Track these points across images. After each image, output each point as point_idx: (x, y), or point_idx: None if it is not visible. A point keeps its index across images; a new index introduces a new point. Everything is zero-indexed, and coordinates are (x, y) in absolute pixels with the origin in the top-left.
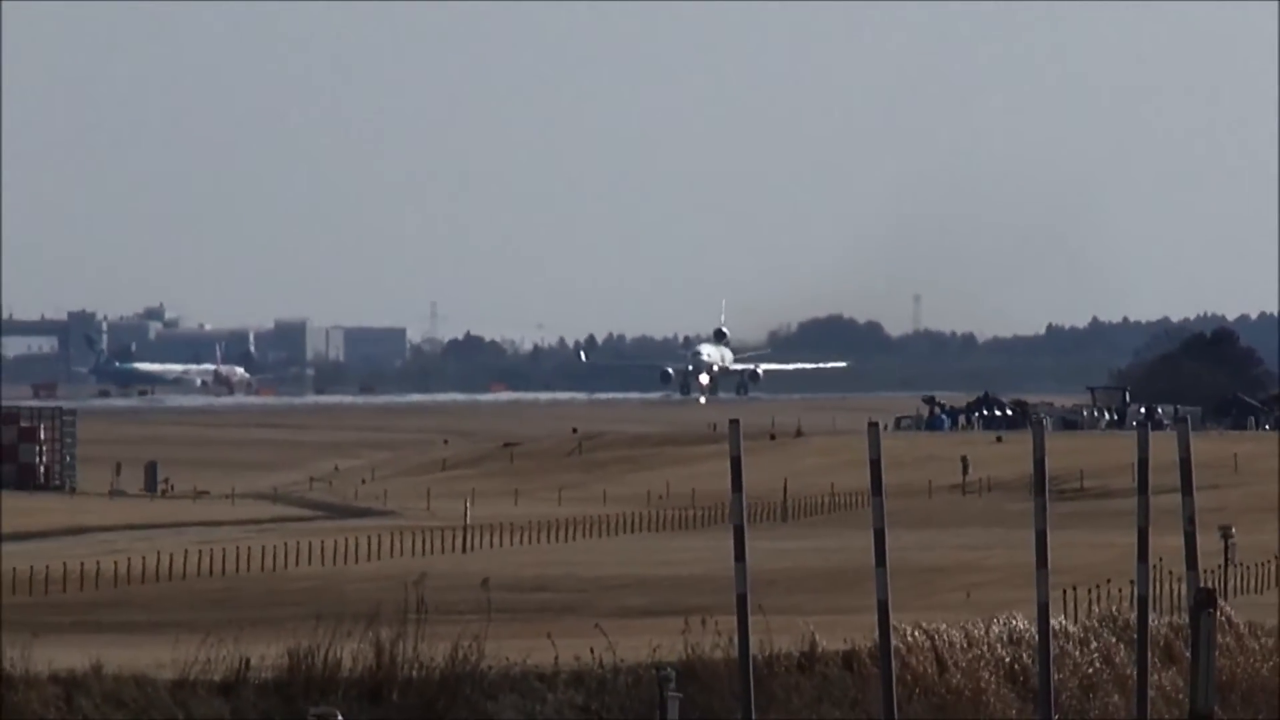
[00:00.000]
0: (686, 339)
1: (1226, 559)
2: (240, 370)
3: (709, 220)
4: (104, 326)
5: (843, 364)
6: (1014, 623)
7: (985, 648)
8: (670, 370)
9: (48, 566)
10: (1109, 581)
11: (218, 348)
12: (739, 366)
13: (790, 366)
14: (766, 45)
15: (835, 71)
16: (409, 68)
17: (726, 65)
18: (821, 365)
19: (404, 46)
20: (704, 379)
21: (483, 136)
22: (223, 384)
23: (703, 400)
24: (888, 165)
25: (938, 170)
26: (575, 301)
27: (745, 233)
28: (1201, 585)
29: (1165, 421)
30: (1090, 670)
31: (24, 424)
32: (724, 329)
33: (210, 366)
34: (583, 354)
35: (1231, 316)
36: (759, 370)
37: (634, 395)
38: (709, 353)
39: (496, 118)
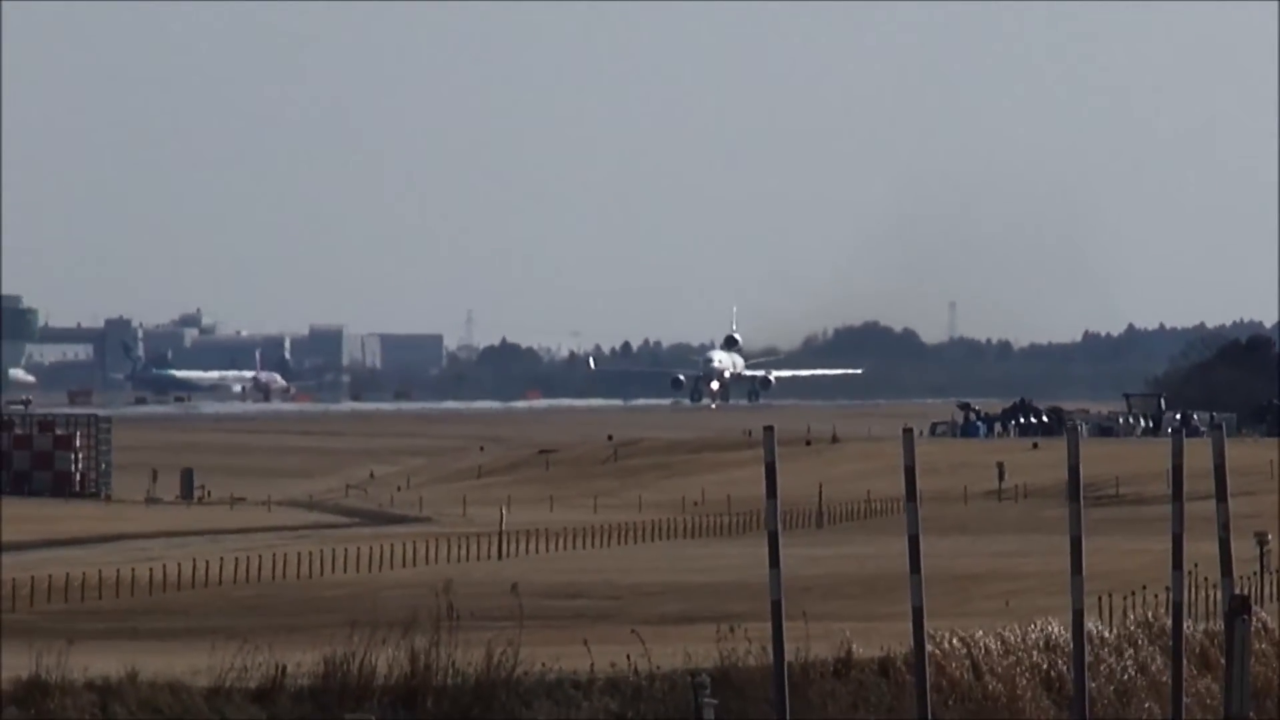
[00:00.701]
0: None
1: (1262, 565)
2: (279, 377)
3: (745, 226)
4: (140, 334)
5: (858, 370)
6: (1050, 629)
7: (1021, 654)
8: (681, 377)
9: (84, 573)
10: (1144, 588)
11: (257, 354)
12: (751, 373)
13: (803, 373)
14: (796, 53)
15: (864, 78)
16: (446, 77)
17: (765, 72)
18: (835, 371)
19: (441, 56)
20: (715, 385)
21: (520, 145)
22: (262, 391)
23: (714, 406)
24: (922, 172)
25: (971, 178)
26: (610, 308)
27: (779, 239)
28: (1236, 592)
29: (1201, 428)
30: (1125, 677)
31: (60, 431)
32: (735, 335)
33: (248, 373)
34: (591, 361)
35: (1268, 323)
36: (771, 376)
37: (655, 401)
38: (720, 359)
39: (534, 126)
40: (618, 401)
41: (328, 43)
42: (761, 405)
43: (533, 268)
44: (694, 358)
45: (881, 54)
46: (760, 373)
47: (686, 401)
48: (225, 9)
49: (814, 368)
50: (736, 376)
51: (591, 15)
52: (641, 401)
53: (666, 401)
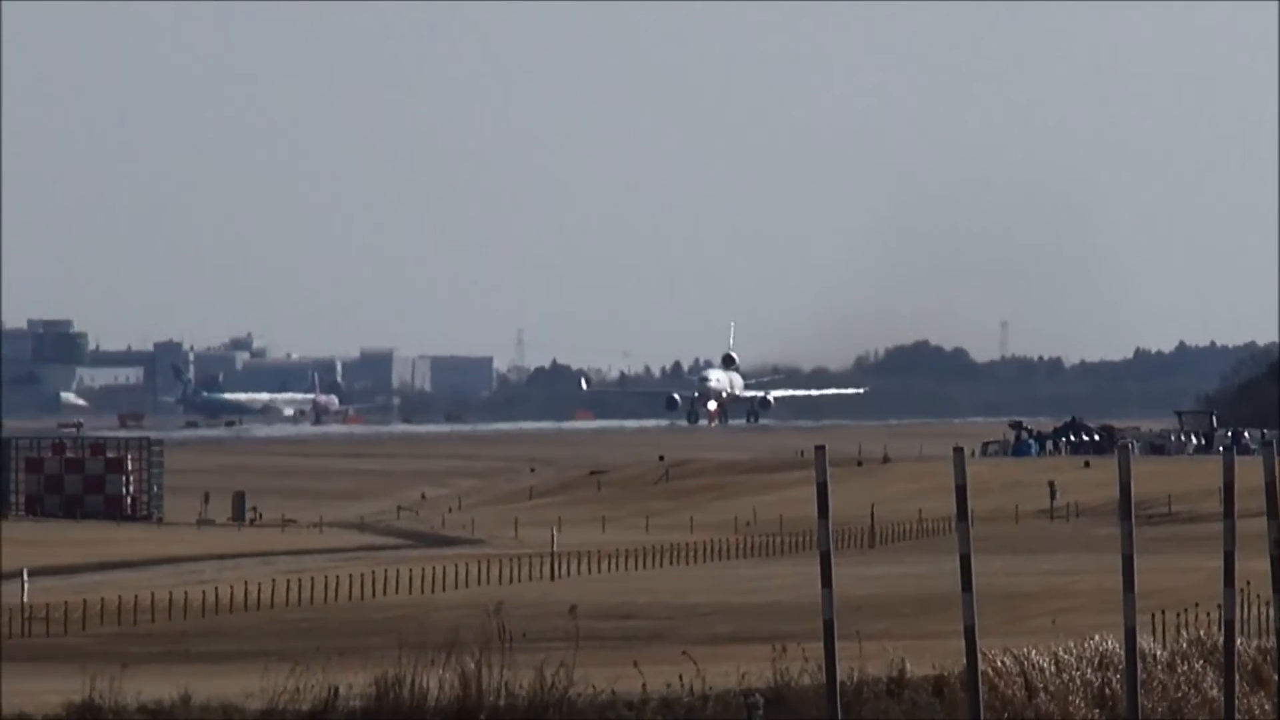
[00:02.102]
0: (775, 367)
1: None
2: (336, 400)
3: (793, 248)
4: (191, 357)
5: (860, 390)
6: (1103, 646)
7: (1074, 672)
8: (677, 397)
9: (136, 596)
10: (1196, 605)
11: (315, 377)
12: (749, 393)
13: (801, 392)
14: (830, 68)
15: (900, 93)
16: (493, 101)
17: (805, 87)
18: (840, 391)
19: (488, 83)
20: (712, 405)
21: (570, 168)
22: (323, 413)
23: (711, 427)
24: (970, 192)
25: (1020, 196)
26: (660, 329)
27: (820, 261)
28: None
29: (1252, 446)
30: (1178, 694)
31: (111, 454)
32: (733, 353)
33: (298, 395)
34: (584, 382)
35: None
36: (770, 397)
37: (651, 422)
38: (717, 378)
39: (587, 149)
40: (665, 421)
41: (377, 68)
42: (759, 426)
43: (582, 289)
44: (690, 377)
45: (914, 65)
46: (759, 393)
47: (683, 423)
48: (275, 38)
49: (866, 386)
50: (734, 397)
51: (640, 42)
52: (633, 423)
53: (663, 423)
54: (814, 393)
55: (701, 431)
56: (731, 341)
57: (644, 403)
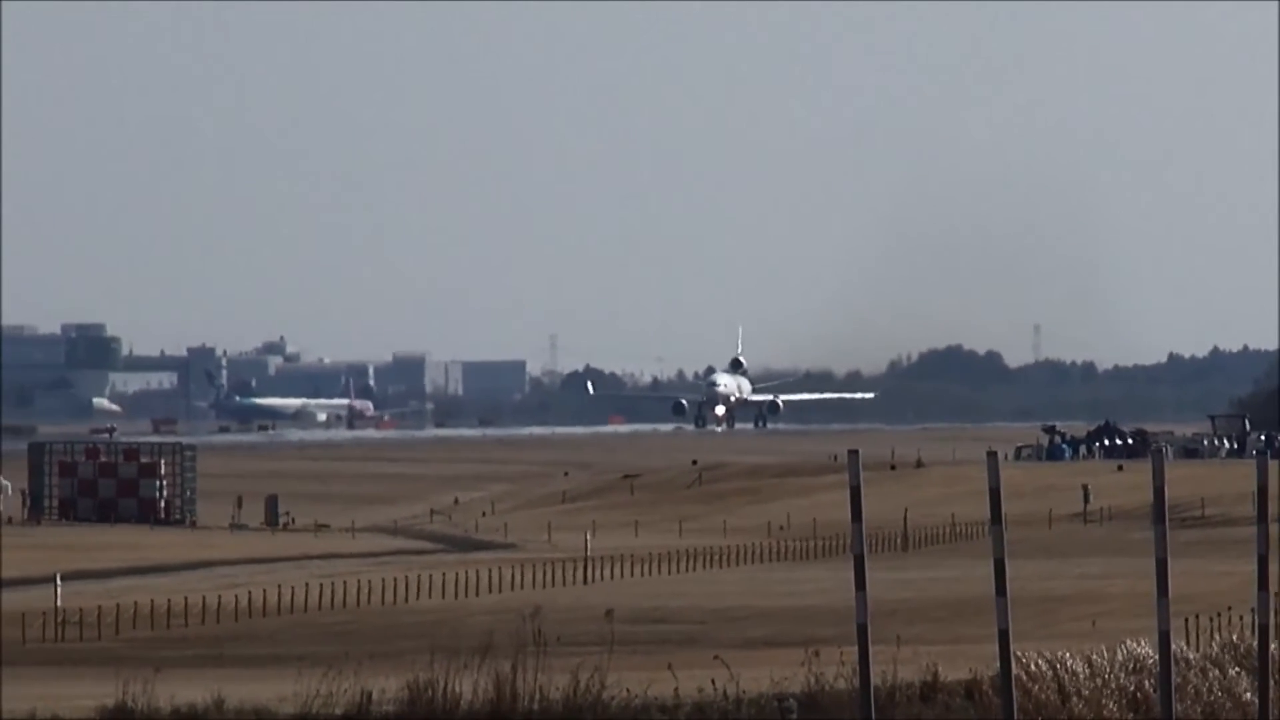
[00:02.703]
0: (808, 373)
1: None
2: (371, 405)
3: (825, 252)
4: (224, 362)
5: (869, 395)
6: (1137, 650)
7: (1108, 676)
8: (684, 401)
9: (169, 600)
10: (1230, 609)
11: (350, 382)
12: (758, 398)
13: (810, 396)
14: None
15: (928, 98)
16: (524, 109)
17: (835, 94)
18: (846, 396)
19: (523, 90)
20: (720, 410)
21: (601, 172)
22: (357, 418)
23: (719, 431)
24: (1002, 196)
25: (1053, 199)
26: (694, 334)
27: (860, 264)
28: None
29: None
30: (1212, 699)
31: (144, 459)
32: (741, 357)
33: (332, 400)
34: (590, 385)
35: None
36: (779, 401)
37: (657, 426)
38: (725, 383)
39: (619, 152)
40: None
41: (415, 75)
42: (769, 431)
43: (615, 293)
44: (699, 383)
45: (947, 65)
46: (768, 397)
47: (690, 427)
48: (311, 44)
49: (900, 391)
50: (742, 401)
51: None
52: (642, 427)
53: (668, 427)
54: (823, 396)
55: (735, 435)
56: (740, 345)
57: (654, 408)
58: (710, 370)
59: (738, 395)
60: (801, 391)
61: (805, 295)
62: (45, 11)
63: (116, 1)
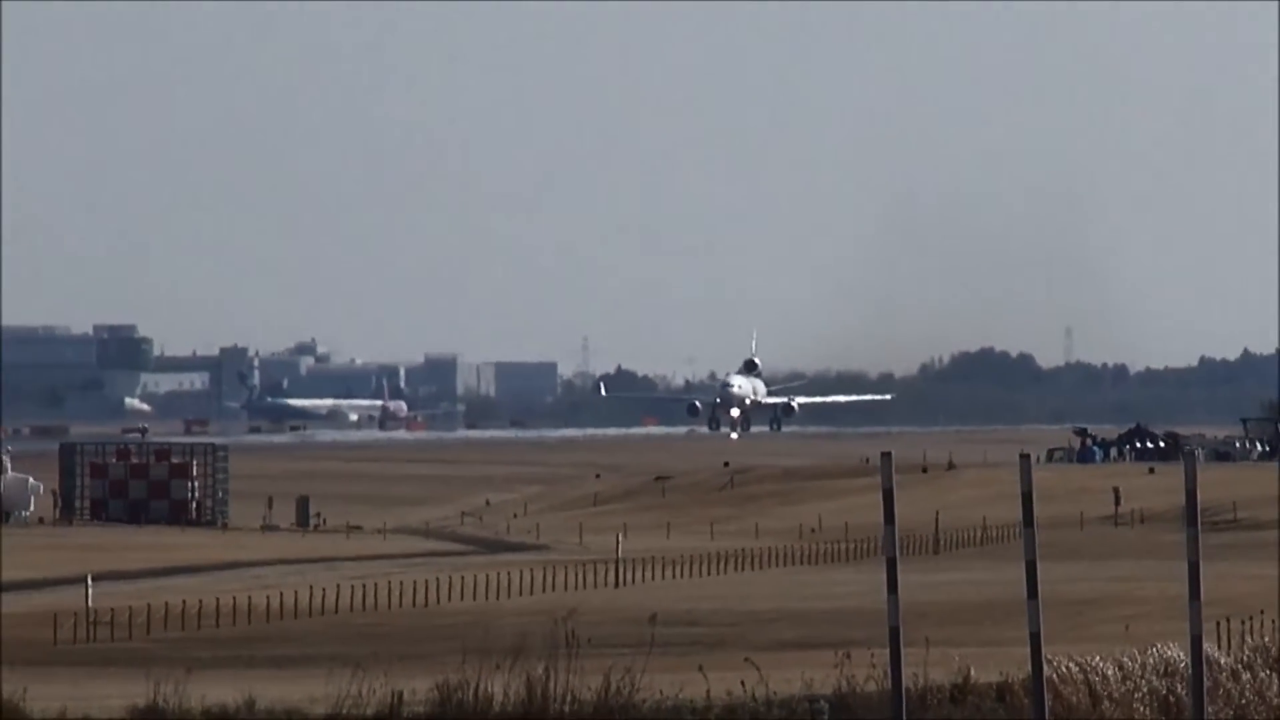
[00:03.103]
0: (839, 374)
1: None
2: (405, 406)
3: (857, 253)
4: (256, 362)
5: (887, 396)
6: (1168, 654)
7: (1139, 679)
8: (698, 403)
9: (200, 601)
10: (1261, 613)
11: (384, 383)
12: (772, 400)
13: (827, 399)
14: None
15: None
16: (554, 111)
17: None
18: (863, 397)
19: (549, 94)
20: (734, 412)
21: (633, 173)
22: (391, 419)
23: (734, 436)
24: (1034, 199)
25: (1086, 203)
26: (725, 336)
27: (893, 266)
28: None
29: None
30: (1243, 702)
31: (176, 460)
32: (755, 359)
33: (364, 401)
34: (602, 387)
35: None
36: (794, 403)
37: (670, 429)
38: (740, 384)
39: (649, 153)
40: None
41: (445, 78)
42: (785, 434)
43: (647, 295)
44: (711, 384)
45: (980, 67)
46: (783, 399)
47: (704, 429)
48: (343, 45)
49: (933, 393)
50: (756, 403)
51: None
52: (656, 430)
53: (681, 430)
54: (839, 399)
55: (766, 438)
56: (754, 347)
57: (678, 409)
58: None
59: (752, 397)
60: (830, 393)
61: (837, 297)
62: (80, 11)
63: (155, 2)
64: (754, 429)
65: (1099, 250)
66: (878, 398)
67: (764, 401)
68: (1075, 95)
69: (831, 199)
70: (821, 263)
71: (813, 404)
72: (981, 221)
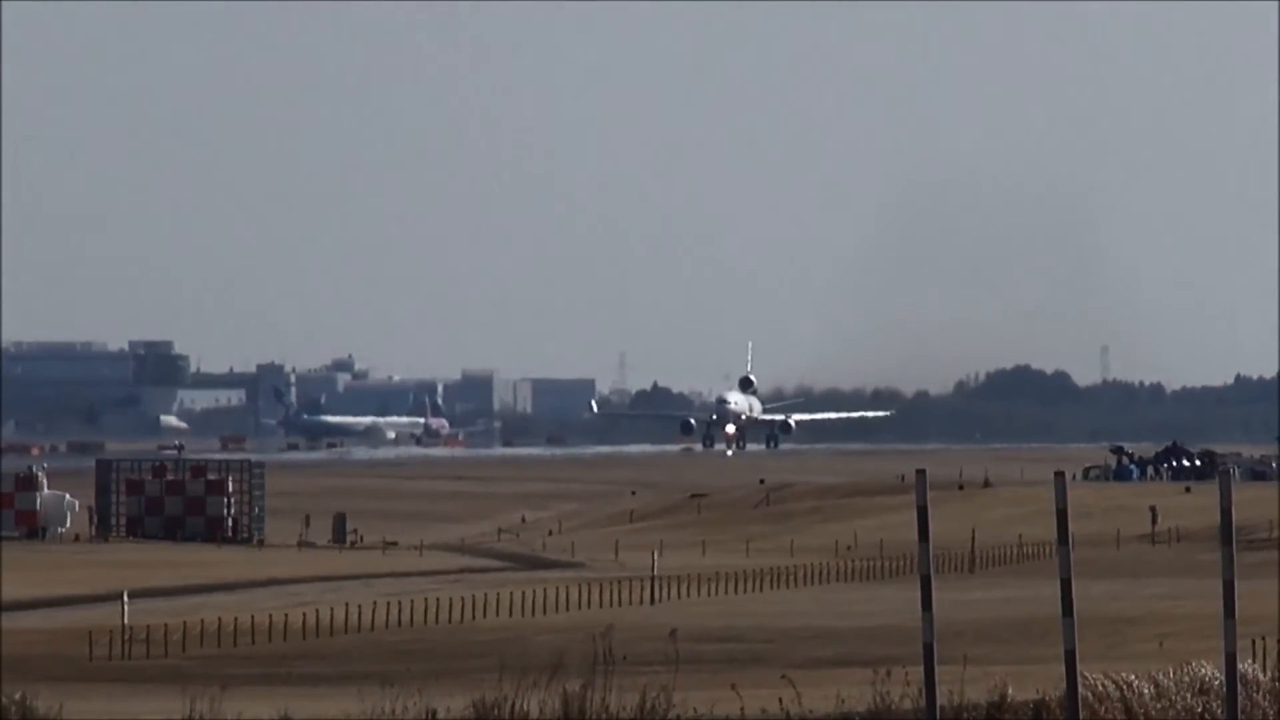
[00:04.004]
0: (875, 391)
1: None
2: (446, 424)
3: (887, 273)
4: (293, 379)
5: (885, 413)
6: (1202, 671)
7: (1174, 697)
8: (693, 421)
9: (236, 618)
10: None
11: (426, 400)
12: (768, 417)
13: (824, 416)
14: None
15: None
16: (586, 130)
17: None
18: (864, 414)
19: (590, 109)
20: (730, 429)
21: (670, 190)
22: (433, 436)
23: (729, 453)
24: (1072, 218)
25: (1123, 222)
26: (763, 353)
27: (925, 284)
28: None
29: None
30: None
31: (212, 476)
32: (751, 376)
33: (402, 419)
34: (594, 405)
35: None
36: (791, 421)
37: (665, 447)
38: (736, 401)
39: (687, 171)
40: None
41: (481, 99)
42: (782, 452)
43: (684, 312)
44: (711, 404)
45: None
46: (779, 417)
47: (698, 448)
48: (381, 67)
49: (966, 410)
50: (753, 420)
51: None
52: (648, 448)
53: (676, 448)
54: (835, 416)
55: (802, 455)
56: (750, 364)
57: (663, 426)
58: (741, 385)
59: (748, 414)
60: (863, 409)
61: (871, 314)
62: (129, 20)
63: (199, 8)
64: (750, 446)
65: (1134, 267)
66: (878, 414)
67: (760, 418)
68: (1106, 113)
69: (861, 221)
70: (854, 283)
71: (810, 421)
72: (1016, 241)
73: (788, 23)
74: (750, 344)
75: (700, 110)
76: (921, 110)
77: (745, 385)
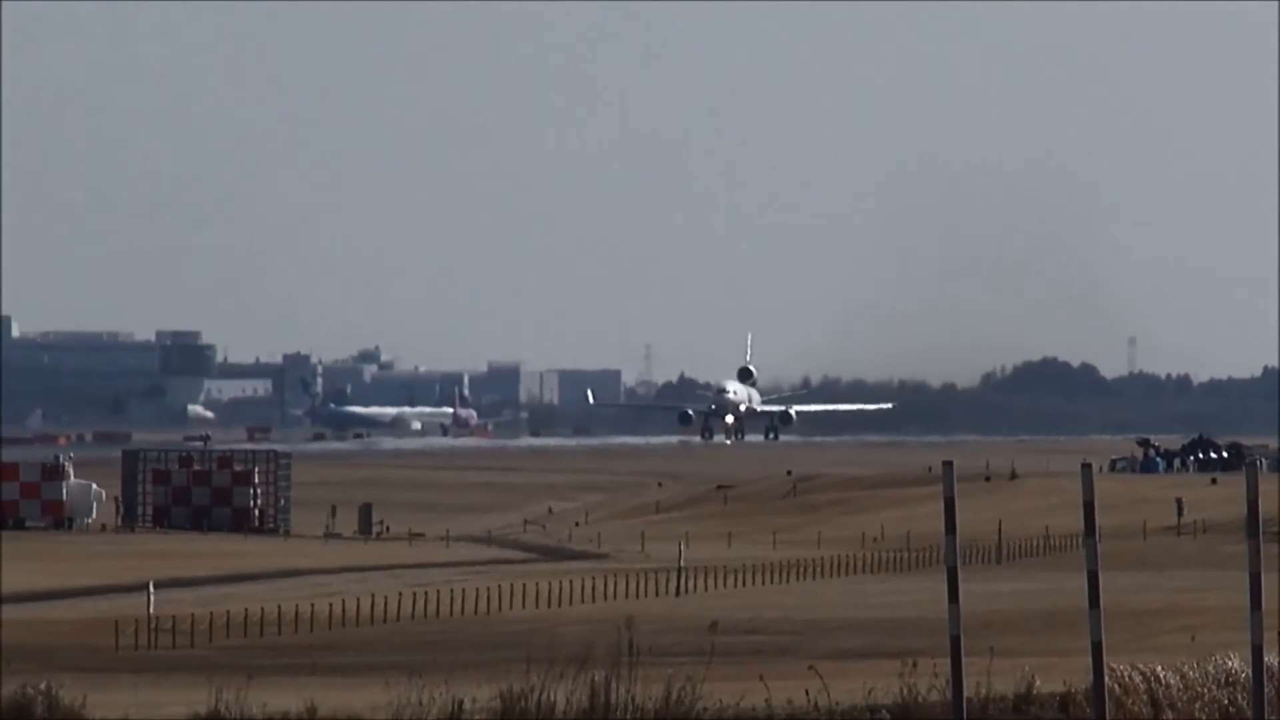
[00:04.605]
0: (902, 382)
1: None
2: (475, 414)
3: (914, 266)
4: (319, 369)
5: (887, 405)
6: (1229, 663)
7: (1200, 689)
8: (691, 412)
9: (262, 609)
10: None
11: (454, 390)
12: (768, 408)
13: (826, 407)
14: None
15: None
16: (611, 122)
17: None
18: (864, 407)
19: (614, 102)
20: (730, 419)
21: (694, 182)
22: (462, 426)
23: (728, 442)
24: (1100, 211)
25: (1149, 213)
26: (789, 344)
27: (951, 276)
28: None
29: None
30: None
31: (239, 467)
32: (750, 366)
33: (428, 409)
34: (590, 395)
35: None
36: (792, 412)
37: (664, 439)
38: (735, 390)
39: (712, 161)
40: (797, 437)
41: (500, 90)
42: (781, 444)
43: (710, 302)
44: (701, 392)
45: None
46: (780, 408)
47: (697, 439)
48: (400, 58)
49: (994, 402)
50: (752, 411)
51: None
52: (641, 440)
53: (673, 439)
54: (838, 407)
55: (830, 446)
56: (749, 355)
57: (661, 418)
58: (741, 376)
59: (747, 404)
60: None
61: (896, 306)
62: (132, 19)
63: (233, 8)
64: (748, 438)
65: (1162, 259)
66: (879, 407)
67: (760, 409)
68: (1140, 100)
69: (889, 209)
70: (883, 274)
71: (810, 412)
72: (1042, 233)
73: (823, 14)
74: (750, 335)
75: (730, 99)
76: (954, 102)
77: (744, 376)
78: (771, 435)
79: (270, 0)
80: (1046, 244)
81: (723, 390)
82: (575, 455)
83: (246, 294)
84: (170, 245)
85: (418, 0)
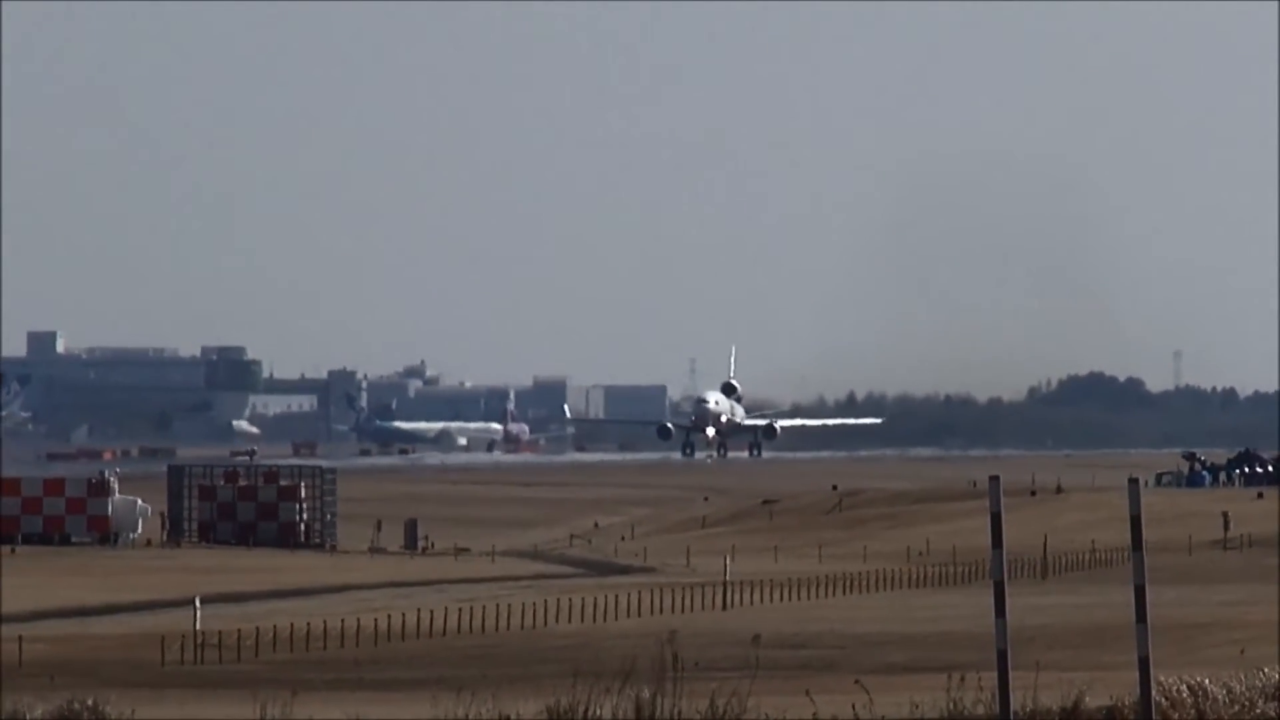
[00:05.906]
0: (948, 397)
1: None
2: (526, 429)
3: (962, 280)
4: (364, 385)
5: (877, 420)
6: (1276, 676)
7: (1247, 703)
8: (670, 425)
9: (308, 624)
10: None
11: (504, 406)
12: (751, 422)
13: (814, 422)
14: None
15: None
16: (655, 138)
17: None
18: (855, 421)
19: (657, 117)
20: (710, 432)
21: (740, 195)
22: (513, 441)
23: (709, 459)
24: (1145, 222)
25: (1193, 226)
26: (836, 358)
27: (994, 287)
28: None
29: None
30: None
31: (284, 482)
32: (734, 381)
33: (474, 424)
34: (566, 409)
35: None
36: (776, 426)
37: (647, 456)
38: (716, 400)
39: (754, 175)
40: (842, 452)
41: (547, 109)
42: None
43: (755, 317)
44: (682, 407)
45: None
46: (763, 422)
47: (677, 455)
48: (452, 79)
49: (1039, 416)
50: (734, 425)
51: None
52: (620, 456)
53: (655, 455)
54: (828, 422)
55: (877, 460)
56: (732, 369)
57: (638, 433)
58: (724, 390)
59: (729, 416)
60: (935, 415)
61: (946, 320)
62: (190, 37)
63: (294, 8)
64: (730, 454)
65: (1209, 271)
66: (870, 421)
67: (742, 423)
68: (1188, 114)
69: (931, 224)
70: (933, 290)
71: (795, 427)
72: (1089, 248)
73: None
74: (734, 348)
75: (777, 109)
76: (995, 112)
77: (728, 391)
78: (755, 451)
79: (334, 27)
80: (1092, 259)
81: (703, 400)
82: (621, 470)
83: (292, 309)
84: (216, 261)
85: (480, 23)
